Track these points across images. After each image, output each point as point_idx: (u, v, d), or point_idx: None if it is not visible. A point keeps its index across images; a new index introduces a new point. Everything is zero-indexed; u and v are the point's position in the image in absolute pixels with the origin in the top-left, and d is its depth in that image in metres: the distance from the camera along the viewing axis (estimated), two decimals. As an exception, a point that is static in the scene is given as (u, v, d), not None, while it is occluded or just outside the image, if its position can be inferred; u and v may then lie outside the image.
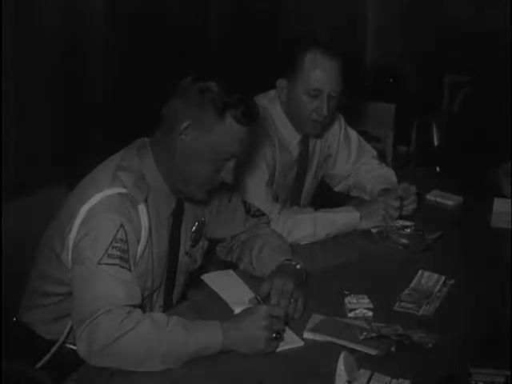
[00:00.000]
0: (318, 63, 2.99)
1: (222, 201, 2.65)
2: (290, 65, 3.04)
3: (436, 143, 4.39)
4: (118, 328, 2.05)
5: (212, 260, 2.81)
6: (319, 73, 2.99)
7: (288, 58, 3.07)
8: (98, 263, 2.14)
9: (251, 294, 2.43)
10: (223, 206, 2.66)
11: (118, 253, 2.17)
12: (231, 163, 2.36)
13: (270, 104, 3.12)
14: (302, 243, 2.91)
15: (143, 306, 2.26)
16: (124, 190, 2.25)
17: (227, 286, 2.51)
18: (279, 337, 2.17)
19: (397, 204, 3.04)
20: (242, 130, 2.31)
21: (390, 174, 3.39)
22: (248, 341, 2.13)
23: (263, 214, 2.81)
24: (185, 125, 2.28)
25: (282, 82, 3.08)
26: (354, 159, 3.42)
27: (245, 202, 2.77)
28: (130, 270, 2.20)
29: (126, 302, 2.13)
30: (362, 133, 3.54)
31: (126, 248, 2.20)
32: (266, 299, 2.38)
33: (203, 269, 2.68)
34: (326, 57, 2.98)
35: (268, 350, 2.15)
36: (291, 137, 3.16)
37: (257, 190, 2.93)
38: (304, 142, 3.22)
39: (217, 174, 2.36)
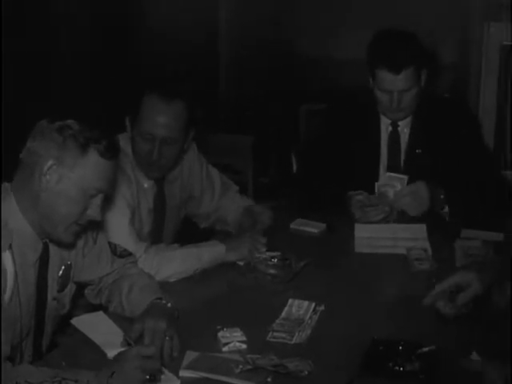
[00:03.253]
0: (154, 107, 2.94)
1: (87, 242, 2.60)
2: (131, 105, 3.01)
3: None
4: None
5: (80, 303, 2.75)
6: (153, 117, 2.94)
7: (131, 98, 3.03)
8: None
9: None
10: (88, 247, 2.61)
11: None
12: (98, 200, 2.33)
13: (126, 144, 3.04)
14: (171, 280, 2.89)
15: (12, 356, 2.20)
16: (-13, 239, 2.18)
17: (98, 329, 2.47)
18: (153, 378, 2.14)
19: (263, 239, 3.06)
20: (107, 164, 2.30)
21: (252, 206, 3.43)
22: None
23: (130, 254, 2.78)
24: (47, 165, 2.24)
25: (127, 121, 3.05)
26: (217, 197, 3.45)
27: (110, 243, 2.73)
28: (-5, 322, 2.13)
29: None
30: (225, 167, 3.56)
31: (-11, 299, 2.13)
32: (139, 340, 2.35)
33: (72, 313, 2.62)
34: (163, 101, 2.94)
35: None
36: (143, 180, 3.12)
37: (120, 230, 2.89)
38: (158, 186, 3.18)
39: (84, 213, 2.32)
